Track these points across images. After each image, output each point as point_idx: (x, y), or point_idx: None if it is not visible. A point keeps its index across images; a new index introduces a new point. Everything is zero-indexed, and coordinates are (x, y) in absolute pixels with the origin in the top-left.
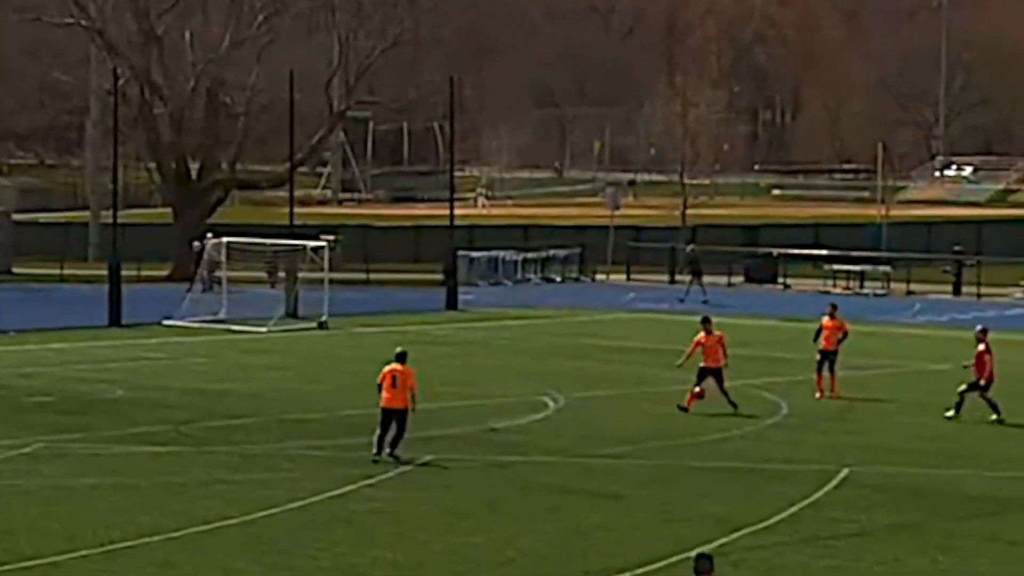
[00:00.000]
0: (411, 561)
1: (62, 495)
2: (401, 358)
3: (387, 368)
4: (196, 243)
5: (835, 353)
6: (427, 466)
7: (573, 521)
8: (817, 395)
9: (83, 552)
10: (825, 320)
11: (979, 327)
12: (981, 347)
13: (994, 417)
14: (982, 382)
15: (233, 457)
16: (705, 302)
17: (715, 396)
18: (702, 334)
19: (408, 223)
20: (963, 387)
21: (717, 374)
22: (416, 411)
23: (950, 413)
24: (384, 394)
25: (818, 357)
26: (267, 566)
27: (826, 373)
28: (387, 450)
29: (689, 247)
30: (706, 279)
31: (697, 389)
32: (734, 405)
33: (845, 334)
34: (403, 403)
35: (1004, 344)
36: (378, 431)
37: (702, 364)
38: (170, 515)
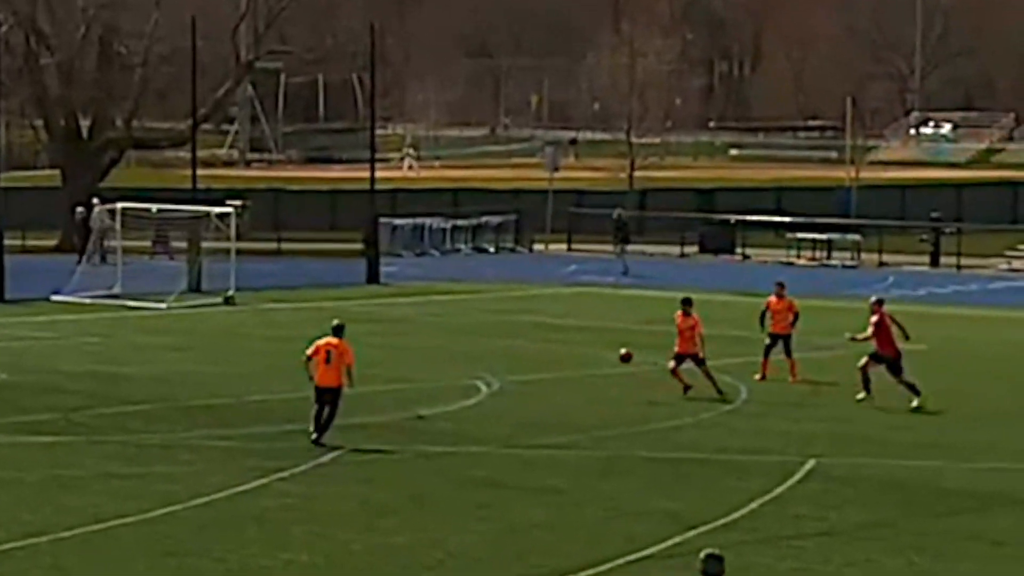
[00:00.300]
0: (328, 563)
1: None
2: (338, 331)
3: (320, 341)
4: (80, 208)
5: (789, 336)
6: (347, 458)
7: (509, 519)
8: (757, 377)
9: None
10: (772, 300)
11: (874, 297)
12: (875, 318)
13: (915, 403)
14: (888, 357)
15: (130, 448)
16: (624, 273)
17: (692, 383)
18: (679, 314)
19: (324, 187)
20: (863, 361)
21: (695, 360)
22: (353, 388)
23: (860, 396)
24: (317, 370)
25: (768, 341)
26: (168, 570)
27: (774, 358)
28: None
29: (616, 211)
30: (657, 248)
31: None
32: (720, 392)
33: (796, 315)
34: (337, 381)
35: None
36: (315, 408)
37: (677, 349)
38: (59, 513)
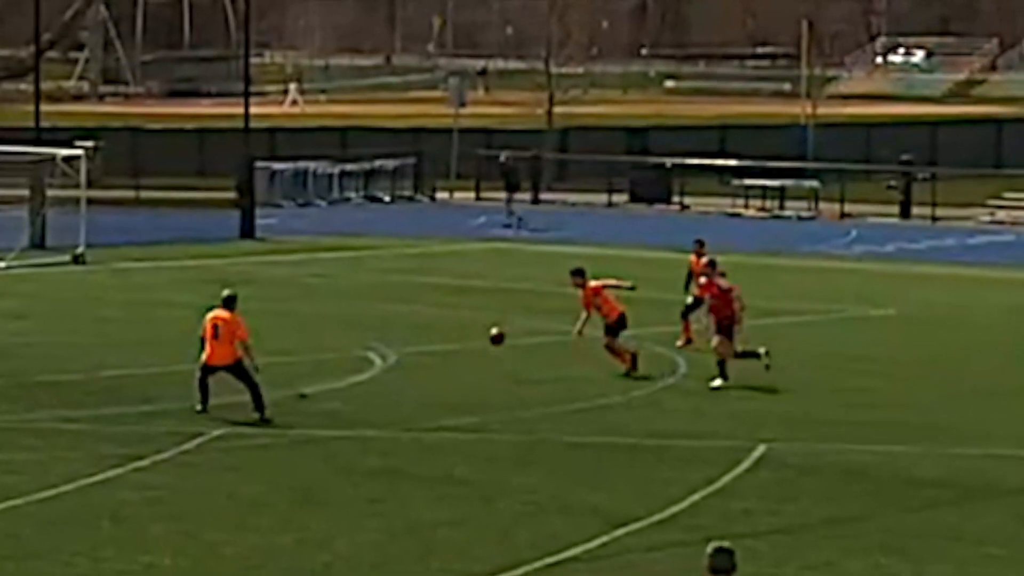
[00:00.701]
0: (195, 568)
1: None
2: (228, 303)
3: (210, 315)
4: None
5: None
6: (216, 444)
7: (408, 515)
8: (679, 343)
9: None
10: (692, 260)
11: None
12: (694, 259)
13: (717, 383)
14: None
15: None
16: (508, 226)
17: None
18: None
19: (190, 125)
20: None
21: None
22: (259, 370)
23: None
24: (206, 347)
25: (690, 301)
26: (5, 574)
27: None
28: (256, 414)
29: (503, 155)
30: (581, 197)
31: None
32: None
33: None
34: (231, 357)
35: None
36: (198, 376)
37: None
38: None
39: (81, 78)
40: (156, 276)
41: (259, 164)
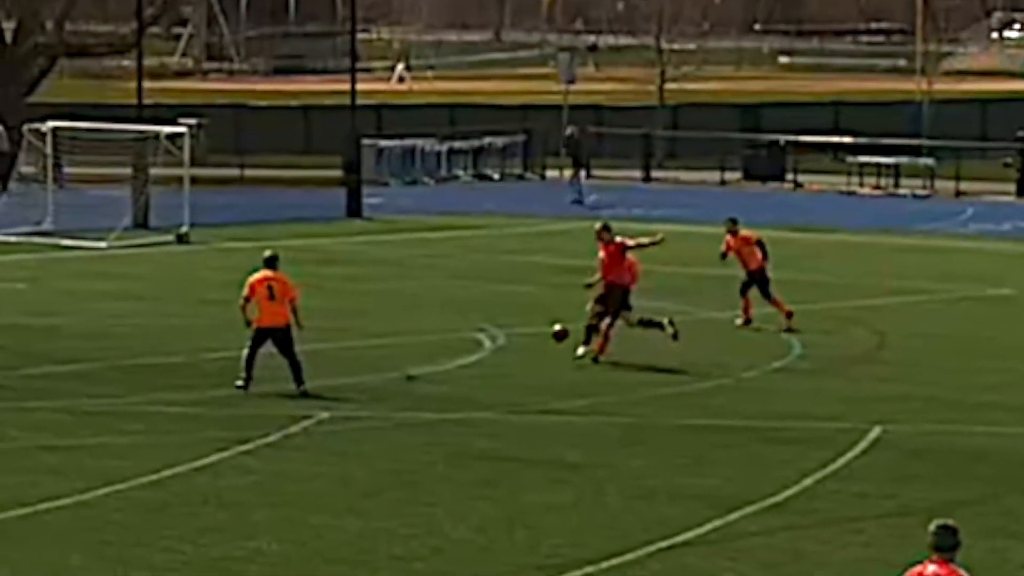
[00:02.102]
0: (301, 553)
1: None
2: (271, 262)
3: (256, 277)
4: None
5: (763, 272)
6: (322, 427)
7: (517, 500)
8: (739, 322)
9: None
10: (728, 239)
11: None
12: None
13: (581, 350)
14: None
15: (62, 416)
16: (578, 202)
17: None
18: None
19: (295, 102)
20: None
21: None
22: (303, 328)
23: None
24: (261, 309)
25: (746, 279)
26: (108, 562)
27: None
28: (296, 388)
29: (569, 129)
30: (693, 175)
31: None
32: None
33: (761, 245)
34: (285, 318)
35: None
36: (246, 350)
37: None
38: None
39: (184, 55)
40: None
41: (366, 142)
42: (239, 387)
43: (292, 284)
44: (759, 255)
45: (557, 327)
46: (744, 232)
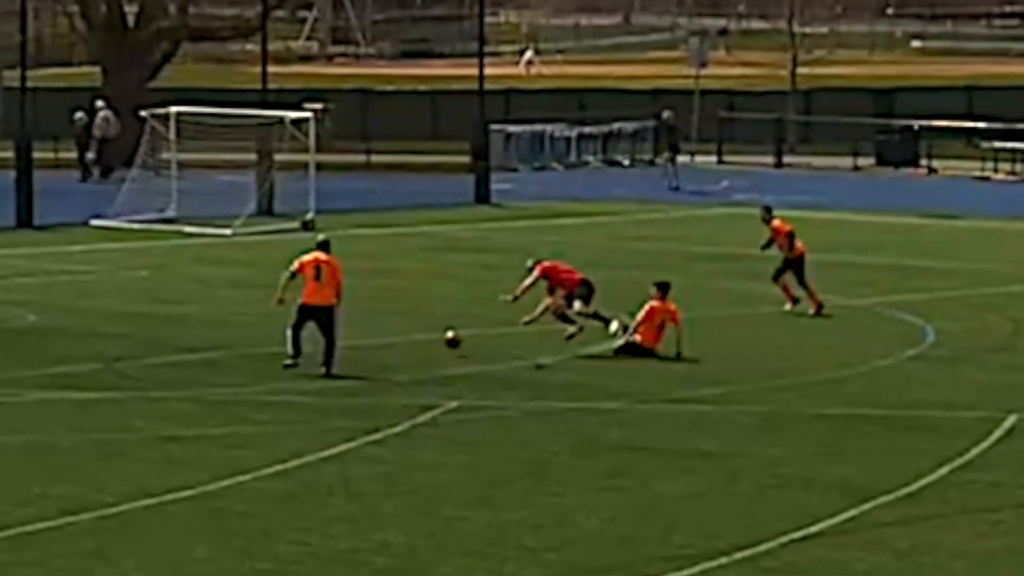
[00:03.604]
0: (430, 545)
1: None
2: (324, 246)
3: (307, 257)
4: (79, 114)
5: (797, 261)
6: (450, 417)
7: (649, 489)
8: (788, 307)
9: None
10: (776, 225)
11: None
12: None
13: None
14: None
15: (187, 405)
16: (675, 188)
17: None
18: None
19: (422, 87)
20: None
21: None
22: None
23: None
24: (307, 288)
25: (782, 265)
26: (234, 553)
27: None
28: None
29: (665, 113)
30: (824, 161)
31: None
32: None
33: (788, 236)
34: (329, 299)
35: None
36: (290, 330)
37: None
38: (101, 486)
39: (309, 38)
40: (388, 243)
41: (494, 127)
42: (287, 366)
43: (341, 269)
44: (798, 244)
45: (449, 334)
46: (776, 222)
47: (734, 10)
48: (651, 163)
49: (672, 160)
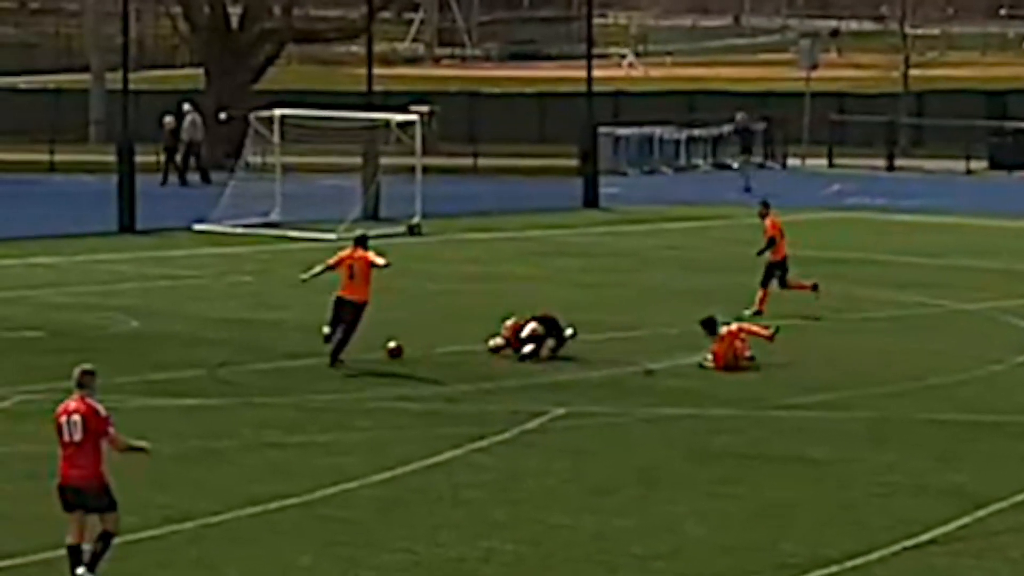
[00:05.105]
0: (538, 553)
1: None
2: (362, 241)
3: (345, 253)
4: (168, 117)
5: (779, 263)
6: (558, 423)
7: (758, 497)
8: (814, 296)
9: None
10: (768, 224)
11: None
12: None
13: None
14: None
15: (290, 412)
16: (748, 190)
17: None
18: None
19: (530, 89)
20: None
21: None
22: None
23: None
24: (343, 282)
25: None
26: (340, 561)
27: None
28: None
29: (739, 115)
30: (937, 164)
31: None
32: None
33: (769, 240)
34: (361, 296)
35: None
36: (327, 327)
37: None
38: (205, 494)
39: (415, 40)
40: (495, 247)
41: (602, 130)
42: (326, 338)
43: (371, 262)
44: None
45: (391, 344)
46: (768, 220)
47: (845, 12)
48: (761, 166)
49: (745, 160)
